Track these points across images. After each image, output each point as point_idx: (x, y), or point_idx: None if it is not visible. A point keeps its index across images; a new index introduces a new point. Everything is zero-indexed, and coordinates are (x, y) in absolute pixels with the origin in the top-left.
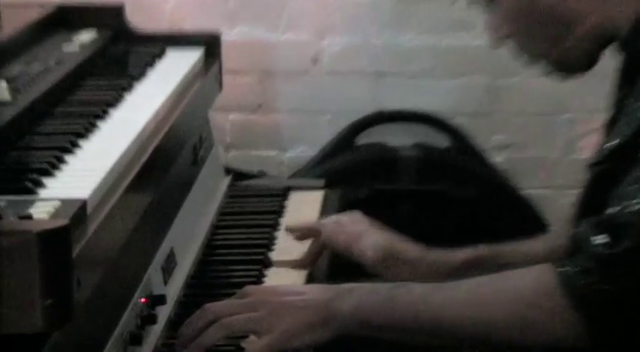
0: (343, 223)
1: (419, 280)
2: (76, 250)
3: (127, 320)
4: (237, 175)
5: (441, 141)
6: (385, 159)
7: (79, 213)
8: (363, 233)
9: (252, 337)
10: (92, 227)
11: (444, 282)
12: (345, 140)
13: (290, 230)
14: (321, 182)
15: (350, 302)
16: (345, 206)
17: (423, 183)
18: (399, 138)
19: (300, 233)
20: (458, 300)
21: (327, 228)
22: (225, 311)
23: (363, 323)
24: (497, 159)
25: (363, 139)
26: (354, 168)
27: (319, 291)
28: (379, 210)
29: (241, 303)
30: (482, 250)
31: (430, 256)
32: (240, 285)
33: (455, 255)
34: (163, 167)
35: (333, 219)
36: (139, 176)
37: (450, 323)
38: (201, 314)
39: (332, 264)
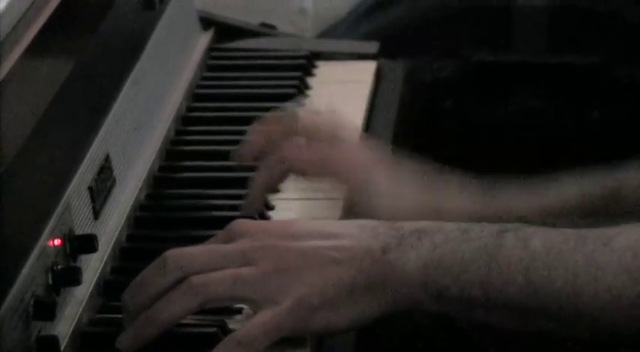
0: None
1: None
2: None
3: (28, 276)
4: (224, 30)
5: None
6: (490, 8)
7: None
8: (382, 171)
9: (245, 312)
10: None
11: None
12: None
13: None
14: (374, 46)
15: (419, 254)
16: (414, 89)
17: (556, 52)
18: None
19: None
20: (619, 263)
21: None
22: (199, 264)
23: (441, 294)
24: None
25: None
26: (431, 24)
27: (365, 232)
28: (475, 100)
29: (227, 251)
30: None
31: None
32: (226, 221)
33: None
34: (92, 13)
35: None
36: (48, 29)
37: (599, 304)
38: (159, 267)
39: None
